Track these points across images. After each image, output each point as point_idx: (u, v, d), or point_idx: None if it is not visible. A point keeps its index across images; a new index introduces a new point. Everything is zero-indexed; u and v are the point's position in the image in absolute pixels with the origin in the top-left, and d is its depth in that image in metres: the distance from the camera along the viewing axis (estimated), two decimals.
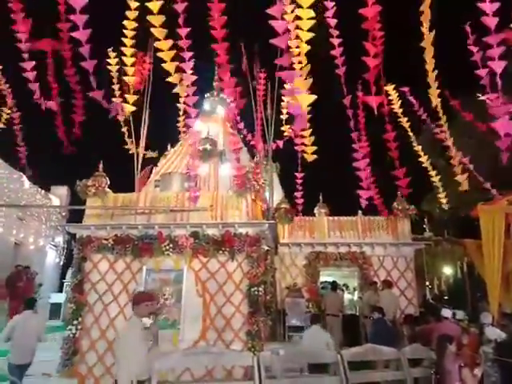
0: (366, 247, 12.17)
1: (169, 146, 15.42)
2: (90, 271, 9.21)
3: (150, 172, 14.17)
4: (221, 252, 8.98)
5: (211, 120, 15.17)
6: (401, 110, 12.19)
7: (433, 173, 12.76)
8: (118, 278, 9.14)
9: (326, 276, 13.07)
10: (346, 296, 12.84)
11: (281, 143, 13.46)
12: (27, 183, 14.24)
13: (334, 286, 11.13)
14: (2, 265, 12.74)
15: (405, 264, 12.08)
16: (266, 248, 9.54)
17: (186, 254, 9.02)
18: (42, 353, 9.05)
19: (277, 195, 13.75)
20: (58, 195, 16.18)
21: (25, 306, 7.10)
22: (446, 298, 16.57)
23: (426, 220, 17.24)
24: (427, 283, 15.54)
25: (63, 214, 15.97)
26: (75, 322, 8.79)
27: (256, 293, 8.62)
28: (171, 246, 9.06)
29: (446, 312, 7.69)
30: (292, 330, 11.06)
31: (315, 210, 14.17)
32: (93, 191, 9.49)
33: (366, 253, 12.12)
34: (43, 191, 15.38)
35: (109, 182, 9.88)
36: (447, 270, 17.55)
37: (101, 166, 9.99)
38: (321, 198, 14.43)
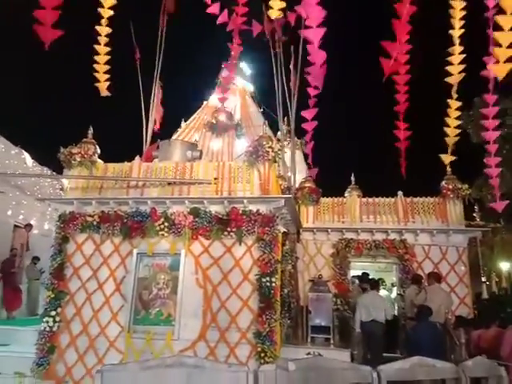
0: (408, 234, 10.07)
1: (182, 121, 13.90)
2: (72, 253, 7.78)
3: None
4: (226, 233, 7.30)
5: (228, 92, 13.43)
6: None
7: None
8: (105, 263, 7.66)
9: (357, 269, 11.12)
10: (382, 293, 10.79)
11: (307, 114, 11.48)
12: (29, 161, 13.13)
13: (374, 282, 8.81)
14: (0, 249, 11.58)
15: (456, 255, 9.91)
16: (283, 230, 7.74)
17: (185, 236, 7.40)
18: (17, 346, 7.85)
19: (300, 175, 11.94)
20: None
21: None
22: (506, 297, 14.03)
23: (476, 207, 14.89)
24: (483, 279, 13.12)
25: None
26: (53, 314, 7.37)
27: (268, 284, 6.87)
28: (166, 225, 7.47)
29: None
30: (316, 331, 9.22)
31: (346, 193, 12.17)
32: (78, 160, 8.02)
33: (407, 241, 10.01)
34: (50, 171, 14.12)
35: (99, 151, 8.41)
36: (505, 265, 14.93)
37: (90, 132, 8.52)
38: (353, 178, 12.41)
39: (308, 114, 11.13)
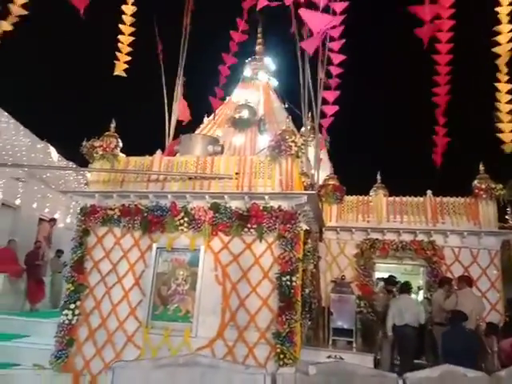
0: (437, 236, 9.61)
1: (205, 117, 13.80)
2: (92, 247, 7.75)
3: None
4: (246, 230, 7.10)
5: (251, 87, 13.26)
6: None
7: None
8: (125, 256, 7.59)
9: (382, 271, 10.71)
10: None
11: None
12: (55, 155, 13.33)
13: (405, 285, 8.39)
14: (25, 242, 11.77)
15: (488, 258, 9.40)
16: (305, 227, 7.48)
17: (205, 231, 7.24)
18: (38, 338, 7.90)
19: (324, 173, 11.61)
20: None
21: None
22: None
23: (509, 209, 14.17)
24: None
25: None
26: (72, 307, 7.36)
27: (289, 283, 6.63)
28: (186, 220, 7.33)
29: None
30: (337, 334, 8.92)
31: (371, 192, 11.75)
32: (100, 153, 7.99)
33: (436, 242, 9.57)
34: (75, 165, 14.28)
35: (121, 144, 8.36)
36: None
37: (113, 125, 8.49)
38: (379, 177, 11.98)
39: (330, 95, 10.41)
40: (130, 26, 10.38)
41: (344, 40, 9.39)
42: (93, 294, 7.51)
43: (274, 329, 6.57)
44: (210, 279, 7.09)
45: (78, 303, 7.41)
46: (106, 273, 7.56)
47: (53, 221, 13.13)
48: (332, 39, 9.39)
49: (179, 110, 10.92)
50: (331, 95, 10.31)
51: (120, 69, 10.42)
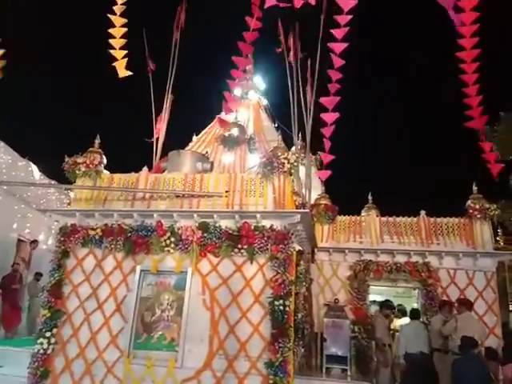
0: (432, 257, 9.36)
1: (194, 136, 13.54)
2: (72, 269, 7.27)
3: None
4: (237, 250, 6.73)
5: (241, 105, 13.11)
6: None
7: None
8: (106, 280, 7.12)
9: (376, 293, 10.37)
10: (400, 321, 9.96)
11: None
12: (37, 173, 12.84)
13: (416, 313, 8.17)
14: (2, 264, 11.13)
15: (484, 280, 9.16)
16: (298, 248, 7.14)
17: (192, 252, 6.84)
18: (11, 369, 7.26)
19: (315, 193, 11.36)
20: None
21: None
22: None
23: (499, 230, 14.13)
24: (511, 307, 12.20)
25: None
26: (48, 335, 6.81)
27: (282, 308, 6.23)
28: (173, 240, 6.94)
29: None
30: (331, 361, 8.46)
31: (363, 212, 11.52)
32: (82, 170, 7.60)
33: (431, 264, 9.31)
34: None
35: (105, 161, 7.99)
36: None
37: (97, 141, 8.14)
38: (370, 197, 11.80)
39: (329, 102, 9.48)
40: (121, 27, 9.99)
41: (346, 44, 8.96)
42: (71, 320, 6.99)
43: (266, 358, 6.14)
44: (197, 304, 6.65)
45: (55, 331, 6.87)
46: (86, 297, 7.07)
47: (34, 243, 12.51)
48: (335, 40, 8.96)
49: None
50: (330, 102, 9.55)
51: (122, 67, 9.89)
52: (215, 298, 6.65)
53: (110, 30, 10.04)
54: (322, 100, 9.49)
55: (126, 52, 10.08)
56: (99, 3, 10.50)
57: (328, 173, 9.73)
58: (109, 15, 10.05)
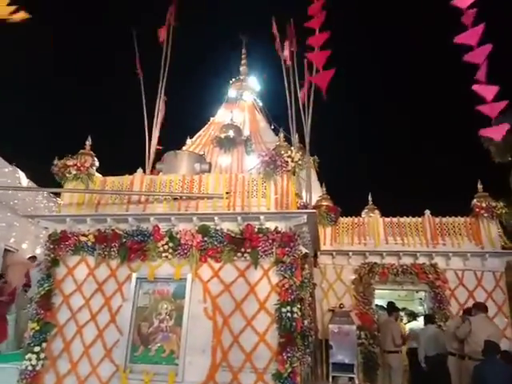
0: (439, 258, 9.06)
1: (188, 139, 13.14)
2: (62, 279, 6.79)
3: None
4: (239, 255, 6.32)
5: (236, 107, 12.76)
6: None
7: None
8: (99, 290, 6.65)
9: (382, 297, 10.01)
10: (410, 325, 9.63)
11: None
12: (25, 180, 12.31)
13: (431, 317, 7.98)
14: None
15: (493, 281, 8.88)
16: (304, 251, 6.76)
17: (192, 258, 6.42)
18: None
19: (314, 194, 11.02)
20: None
21: None
22: None
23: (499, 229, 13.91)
24: None
25: None
26: (37, 350, 6.32)
27: (290, 315, 5.83)
28: (171, 245, 6.51)
29: None
30: (338, 369, 8.08)
31: (363, 214, 11.23)
32: (73, 172, 7.15)
33: (438, 265, 9.00)
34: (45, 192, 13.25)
35: (97, 163, 7.56)
36: None
37: (88, 142, 7.71)
38: (370, 198, 11.53)
39: (316, 39, 7.47)
40: None
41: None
42: (62, 333, 6.52)
43: (274, 369, 5.72)
44: (198, 313, 6.21)
45: (44, 345, 6.39)
46: (78, 309, 6.61)
47: (32, 258, 11.91)
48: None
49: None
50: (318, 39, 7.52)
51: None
52: (217, 306, 6.22)
53: None
54: (310, 39, 7.58)
55: None
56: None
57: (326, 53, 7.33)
58: None
